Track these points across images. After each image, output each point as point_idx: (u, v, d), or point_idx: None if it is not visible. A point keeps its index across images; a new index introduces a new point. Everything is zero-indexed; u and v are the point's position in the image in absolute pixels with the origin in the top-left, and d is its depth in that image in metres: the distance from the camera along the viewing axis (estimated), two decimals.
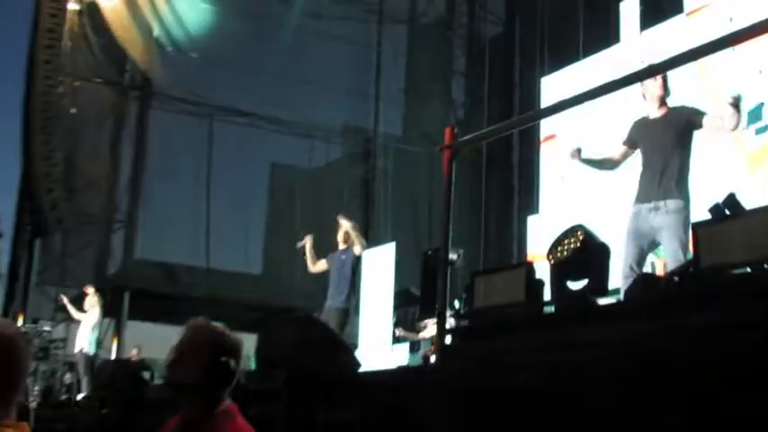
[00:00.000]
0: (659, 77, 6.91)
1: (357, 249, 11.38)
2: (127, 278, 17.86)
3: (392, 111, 20.95)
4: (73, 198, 17.29)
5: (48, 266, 17.29)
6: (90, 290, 14.92)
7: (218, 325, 3.44)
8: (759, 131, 12.73)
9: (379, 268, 14.46)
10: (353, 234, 11.38)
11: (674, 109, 6.95)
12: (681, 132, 6.90)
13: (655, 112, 7.05)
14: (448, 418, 4.74)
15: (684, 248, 6.52)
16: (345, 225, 11.49)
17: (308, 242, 11.74)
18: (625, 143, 7.28)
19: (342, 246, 11.49)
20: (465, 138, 6.28)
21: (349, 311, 11.57)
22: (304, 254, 11.71)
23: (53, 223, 15.98)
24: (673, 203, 6.67)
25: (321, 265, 11.70)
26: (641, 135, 7.15)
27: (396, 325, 14.27)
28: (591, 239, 5.07)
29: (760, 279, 4.03)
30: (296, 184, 19.82)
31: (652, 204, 6.76)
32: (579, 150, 7.22)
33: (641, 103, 7.24)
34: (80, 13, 16.73)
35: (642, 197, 6.90)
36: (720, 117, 6.84)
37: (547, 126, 17.15)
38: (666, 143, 6.89)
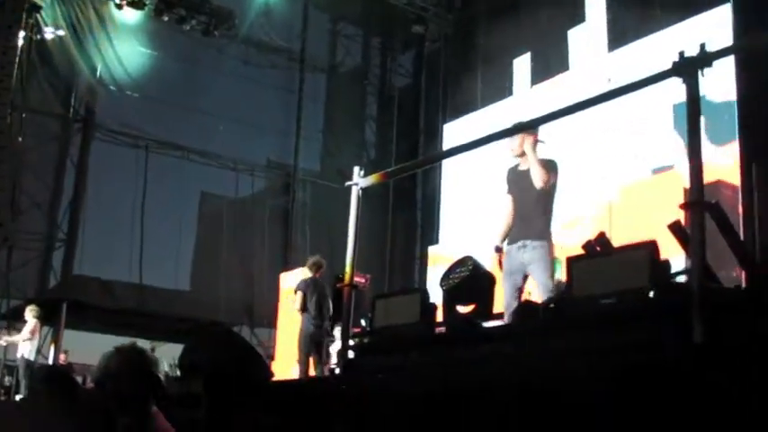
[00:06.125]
0: (518, 136, 7.04)
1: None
2: (65, 291, 17.53)
3: (311, 149, 21.00)
4: (18, 218, 16.93)
5: None
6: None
7: (139, 346, 3.88)
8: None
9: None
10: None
11: (543, 160, 7.10)
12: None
13: (523, 164, 7.19)
14: (351, 423, 4.75)
15: (551, 277, 6.76)
16: None
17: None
18: (507, 193, 7.40)
19: None
20: (370, 176, 6.31)
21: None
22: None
23: (0, 240, 15.59)
24: (537, 242, 6.86)
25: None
26: (511, 182, 7.33)
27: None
28: (478, 269, 5.15)
29: (623, 309, 4.11)
30: (223, 212, 19.73)
31: (520, 243, 6.94)
32: (499, 249, 7.29)
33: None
34: (29, 49, 16.44)
35: (512, 239, 7.08)
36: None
37: (448, 168, 17.37)
38: (531, 191, 7.05)
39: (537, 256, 6.83)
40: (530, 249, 6.89)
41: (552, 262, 6.91)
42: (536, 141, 7.10)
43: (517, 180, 7.25)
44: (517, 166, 7.28)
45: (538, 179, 6.96)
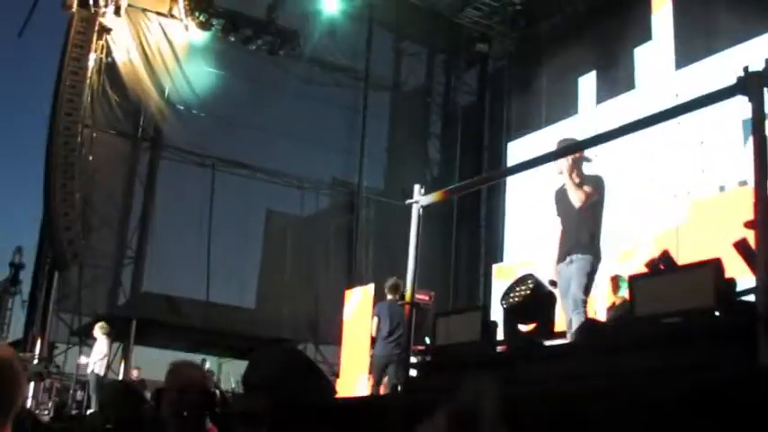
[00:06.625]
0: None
1: None
2: (134, 308, 17.76)
3: (375, 167, 21.06)
4: (89, 236, 17.25)
5: (65, 296, 17.20)
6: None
7: (195, 364, 3.87)
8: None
9: (360, 305, 14.41)
10: None
11: (587, 177, 7.10)
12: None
13: (568, 183, 7.16)
14: None
15: (584, 292, 6.72)
16: None
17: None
18: (557, 215, 7.41)
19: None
20: (430, 194, 6.30)
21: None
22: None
23: (70, 257, 15.90)
24: (580, 256, 6.84)
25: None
26: (558, 203, 7.33)
27: None
28: (540, 288, 5.10)
29: (687, 328, 4.03)
30: (288, 230, 19.86)
31: (567, 260, 6.94)
32: (555, 283, 7.25)
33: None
34: (99, 70, 16.81)
35: (560, 257, 7.07)
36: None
37: (513, 185, 17.25)
38: (572, 209, 7.05)
39: (575, 267, 6.84)
40: (573, 263, 6.89)
41: (588, 274, 6.89)
42: (578, 159, 7.08)
43: (562, 199, 7.29)
44: (563, 185, 7.29)
45: (574, 198, 7.00)
